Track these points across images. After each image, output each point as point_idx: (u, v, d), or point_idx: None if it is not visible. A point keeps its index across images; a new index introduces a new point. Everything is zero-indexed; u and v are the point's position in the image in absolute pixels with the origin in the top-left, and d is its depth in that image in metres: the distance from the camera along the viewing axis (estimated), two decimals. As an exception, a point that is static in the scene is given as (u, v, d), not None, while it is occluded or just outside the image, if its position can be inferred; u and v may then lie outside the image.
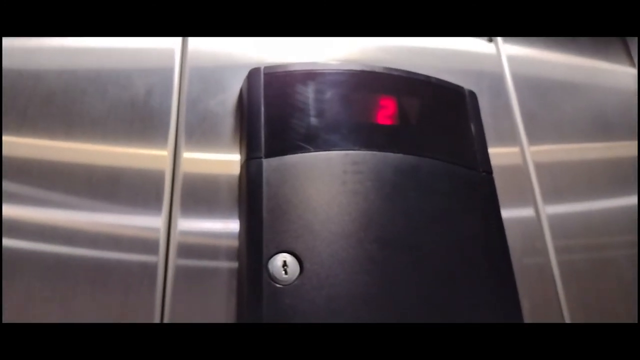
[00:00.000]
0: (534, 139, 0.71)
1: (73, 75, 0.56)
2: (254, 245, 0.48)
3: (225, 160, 0.56)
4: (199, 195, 0.54)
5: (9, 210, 0.47)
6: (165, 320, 0.48)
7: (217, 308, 0.49)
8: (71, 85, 0.55)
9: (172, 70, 0.59)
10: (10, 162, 0.49)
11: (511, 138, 0.70)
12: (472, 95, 0.65)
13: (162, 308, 0.48)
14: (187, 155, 0.55)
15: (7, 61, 0.54)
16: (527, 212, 0.66)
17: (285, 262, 0.47)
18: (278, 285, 0.46)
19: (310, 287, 0.46)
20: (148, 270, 0.49)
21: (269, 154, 0.52)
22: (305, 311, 0.45)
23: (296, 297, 0.46)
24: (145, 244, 0.50)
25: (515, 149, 0.69)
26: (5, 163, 0.49)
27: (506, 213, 0.60)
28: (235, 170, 0.56)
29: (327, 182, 0.51)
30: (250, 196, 0.51)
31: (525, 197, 0.67)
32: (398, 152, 0.55)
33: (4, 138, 0.50)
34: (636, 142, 0.77)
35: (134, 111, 0.56)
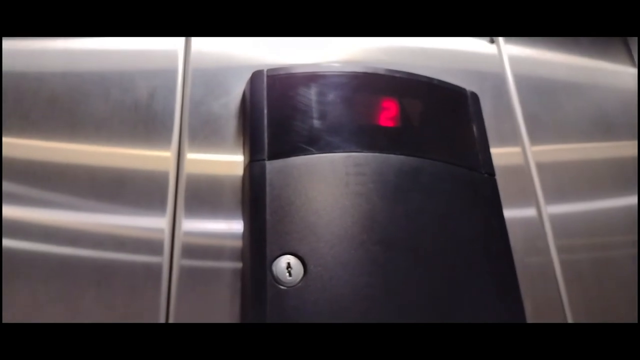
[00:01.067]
0: (535, 139, 0.71)
1: (77, 77, 0.56)
2: (258, 247, 0.48)
3: (228, 161, 0.56)
4: (202, 196, 0.54)
5: (14, 212, 0.48)
6: (170, 321, 0.48)
7: (222, 308, 0.50)
8: (75, 87, 0.55)
9: (175, 72, 0.59)
10: (15, 164, 0.50)
11: (513, 138, 0.70)
12: (474, 96, 0.65)
13: (167, 308, 0.48)
14: (190, 156, 0.56)
15: (11, 63, 0.54)
16: (529, 212, 0.66)
17: (289, 264, 0.47)
18: (282, 287, 0.47)
19: (314, 288, 0.47)
20: (152, 271, 0.49)
21: (272, 156, 0.52)
22: (309, 313, 0.46)
23: (300, 298, 0.46)
24: (150, 245, 0.50)
25: (517, 149, 0.69)
26: (9, 165, 0.49)
27: (508, 213, 0.60)
28: (239, 171, 0.56)
29: (330, 184, 0.52)
30: (254, 199, 0.51)
31: (527, 197, 0.67)
32: (400, 154, 0.55)
33: (8, 140, 0.50)
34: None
35: (137, 114, 0.56)
